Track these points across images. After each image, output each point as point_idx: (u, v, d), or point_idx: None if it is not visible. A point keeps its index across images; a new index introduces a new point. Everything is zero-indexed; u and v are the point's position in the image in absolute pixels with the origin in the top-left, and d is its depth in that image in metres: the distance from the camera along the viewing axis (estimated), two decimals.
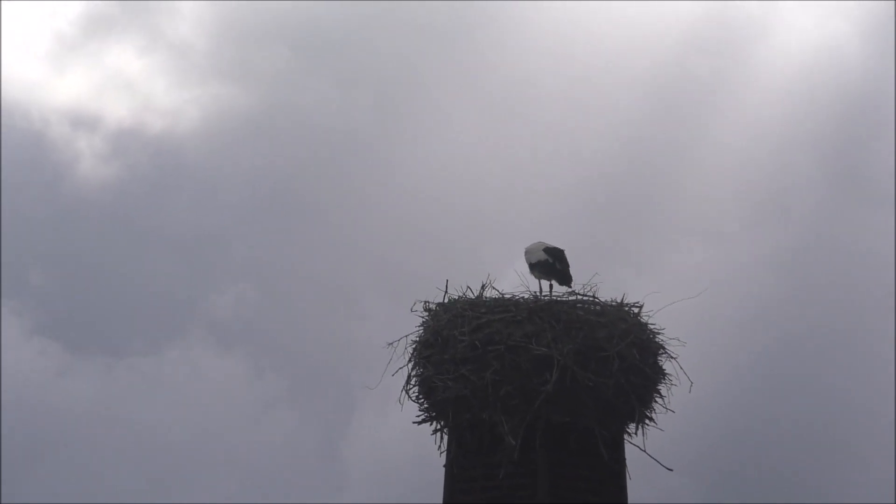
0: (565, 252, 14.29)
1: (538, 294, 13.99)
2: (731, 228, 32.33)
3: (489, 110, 35.58)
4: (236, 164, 35.99)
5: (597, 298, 13.83)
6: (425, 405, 13.78)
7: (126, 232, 35.50)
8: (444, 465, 13.64)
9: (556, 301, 13.79)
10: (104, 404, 31.22)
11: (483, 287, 13.86)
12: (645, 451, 13.53)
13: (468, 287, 13.92)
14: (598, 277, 13.92)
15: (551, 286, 14.11)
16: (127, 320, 34.14)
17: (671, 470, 13.50)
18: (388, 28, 35.81)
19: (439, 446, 13.69)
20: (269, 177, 35.53)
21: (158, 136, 36.49)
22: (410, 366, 13.81)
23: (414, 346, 13.86)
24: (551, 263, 14.15)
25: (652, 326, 13.80)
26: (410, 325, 14.01)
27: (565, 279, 14.10)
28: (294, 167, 35.50)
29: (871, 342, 29.22)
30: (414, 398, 13.80)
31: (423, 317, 13.95)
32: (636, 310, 13.84)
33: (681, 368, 13.70)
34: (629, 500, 13.52)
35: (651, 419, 13.68)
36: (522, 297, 13.83)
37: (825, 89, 34.32)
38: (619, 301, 13.86)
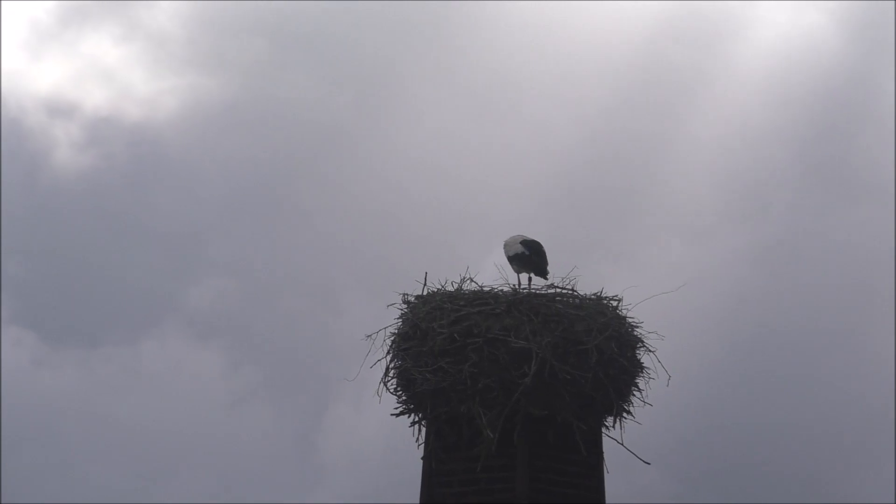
0: (543, 245, 14.31)
1: (517, 287, 14.02)
2: (708, 222, 32.42)
3: (467, 103, 35.62)
4: (215, 155, 35.96)
5: (576, 292, 13.85)
6: (403, 397, 13.77)
7: (104, 222, 35.42)
8: (422, 458, 13.64)
9: (535, 294, 13.80)
10: (80, 395, 31.17)
11: (462, 280, 13.88)
12: (623, 444, 13.58)
13: (448, 280, 13.96)
14: (577, 271, 13.97)
15: (530, 279, 14.14)
16: (104, 311, 34.08)
17: (649, 464, 13.56)
18: (367, 21, 35.78)
19: (417, 439, 13.71)
20: (248, 169, 35.50)
21: (136, 126, 36.42)
22: (389, 358, 13.82)
23: (392, 338, 13.86)
24: (528, 256, 14.18)
25: (630, 320, 13.84)
26: (388, 320, 14.03)
27: (542, 271, 14.12)
28: (273, 160, 35.47)
29: (853, 336, 29.32)
30: (392, 390, 13.80)
31: (401, 309, 13.96)
32: (615, 303, 13.86)
33: (659, 362, 13.75)
34: (606, 493, 13.54)
35: (629, 412, 13.72)
36: (501, 290, 13.85)
37: (803, 83, 34.43)
38: (597, 294, 13.88)
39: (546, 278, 14.05)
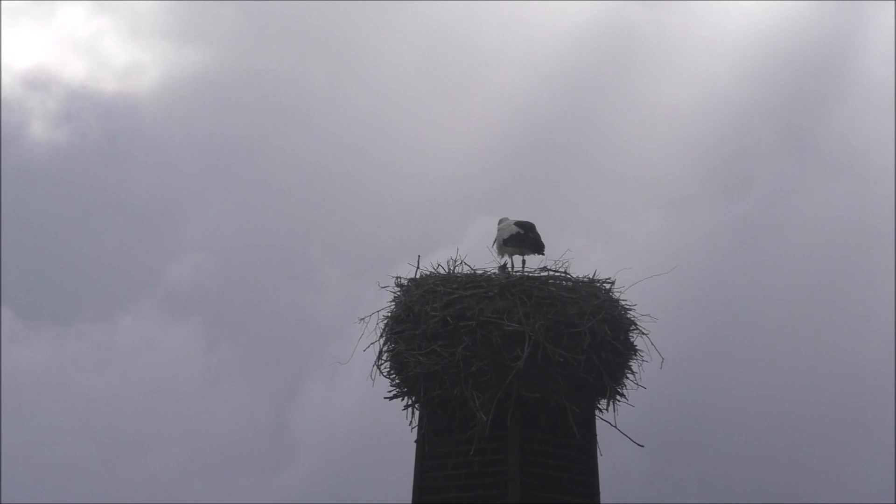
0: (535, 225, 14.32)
1: (510, 270, 13.99)
2: (686, 194, 32.37)
3: (437, 73, 35.52)
4: (191, 129, 35.80)
5: (568, 274, 13.84)
6: (396, 381, 13.75)
7: (79, 197, 35.23)
8: (416, 441, 13.63)
9: (528, 277, 13.79)
10: (55, 372, 31.03)
11: (455, 262, 13.87)
12: (616, 427, 13.58)
13: (439, 264, 13.94)
14: (570, 253, 13.97)
15: (524, 262, 14.12)
16: (79, 287, 33.91)
17: (642, 446, 13.57)
18: None
19: (410, 422, 13.69)
20: (225, 143, 35.34)
21: (111, 100, 36.20)
22: (382, 341, 13.78)
23: (385, 321, 13.83)
24: (524, 234, 14.16)
25: (624, 302, 13.83)
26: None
27: (538, 247, 14.10)
28: (249, 133, 35.30)
29: (849, 314, 29.30)
30: (385, 374, 13.77)
31: (394, 292, 13.92)
32: (608, 286, 13.85)
33: (652, 345, 13.76)
34: (600, 475, 13.55)
35: (622, 395, 13.72)
36: (494, 273, 13.84)
37: (778, 52, 34.37)
38: (590, 277, 13.87)
39: (543, 253, 14.03)
